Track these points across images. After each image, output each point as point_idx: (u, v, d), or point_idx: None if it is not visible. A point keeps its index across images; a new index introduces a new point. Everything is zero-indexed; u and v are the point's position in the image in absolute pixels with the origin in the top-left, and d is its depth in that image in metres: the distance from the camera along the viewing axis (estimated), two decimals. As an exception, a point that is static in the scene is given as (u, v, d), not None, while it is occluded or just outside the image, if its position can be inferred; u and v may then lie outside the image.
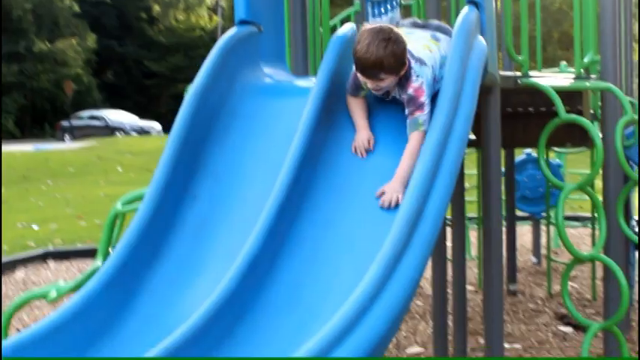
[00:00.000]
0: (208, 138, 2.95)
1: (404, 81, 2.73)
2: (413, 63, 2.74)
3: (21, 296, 3.73)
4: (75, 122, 33.59)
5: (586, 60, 3.81)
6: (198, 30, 47.53)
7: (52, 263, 7.47)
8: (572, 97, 3.89)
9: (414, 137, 2.66)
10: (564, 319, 5.24)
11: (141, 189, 3.42)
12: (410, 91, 2.71)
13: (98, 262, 3.77)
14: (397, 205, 2.51)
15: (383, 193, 2.59)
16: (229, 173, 2.90)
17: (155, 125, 34.13)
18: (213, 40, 45.54)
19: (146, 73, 45.77)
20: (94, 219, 9.91)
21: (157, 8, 47.54)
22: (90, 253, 7.77)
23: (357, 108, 2.86)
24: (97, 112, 35.26)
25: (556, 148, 5.94)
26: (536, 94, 3.62)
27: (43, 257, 7.58)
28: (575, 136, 4.23)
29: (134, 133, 31.50)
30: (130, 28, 46.75)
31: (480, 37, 2.90)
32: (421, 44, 2.88)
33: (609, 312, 3.82)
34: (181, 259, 2.68)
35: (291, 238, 2.56)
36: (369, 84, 2.74)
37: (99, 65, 44.31)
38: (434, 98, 2.74)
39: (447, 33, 3.02)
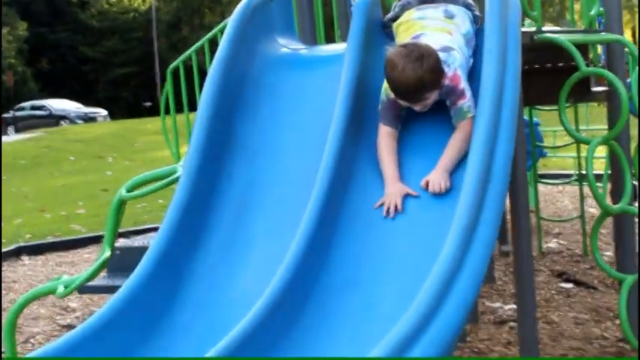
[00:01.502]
0: (236, 113, 2.83)
1: None
2: (440, 55, 2.59)
3: (26, 294, 3.56)
4: (17, 114, 32.63)
5: (592, 12, 3.77)
6: (131, 12, 46.61)
7: (26, 259, 7.23)
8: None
9: (462, 126, 2.53)
10: (563, 276, 5.26)
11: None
12: (446, 82, 2.57)
13: (107, 252, 3.62)
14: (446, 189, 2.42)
15: (427, 184, 2.46)
16: (262, 149, 2.79)
17: (101, 111, 33.40)
18: (148, 21, 45.02)
19: (81, 59, 44.78)
20: (58, 211, 9.66)
21: (88, -9, 46.49)
22: (64, 246, 7.58)
23: (388, 150, 2.57)
24: (40, 101, 34.18)
25: (539, 107, 5.92)
26: (542, 50, 3.56)
27: (16, 253, 7.33)
28: (577, 92, 4.19)
29: (80, 121, 30.76)
30: (61, 13, 45.63)
31: (512, -7, 2.82)
32: (438, 29, 2.77)
33: (625, 265, 3.81)
34: (224, 241, 2.57)
35: (344, 214, 2.46)
36: (416, 107, 2.59)
37: (32, 54, 43.17)
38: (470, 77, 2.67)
39: (458, 1, 2.93)
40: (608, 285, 5.00)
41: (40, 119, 31.18)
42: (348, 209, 2.47)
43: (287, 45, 3.17)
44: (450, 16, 2.84)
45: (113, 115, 34.21)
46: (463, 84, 2.59)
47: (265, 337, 2.13)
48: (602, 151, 9.10)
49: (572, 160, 8.51)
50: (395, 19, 2.95)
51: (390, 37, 2.96)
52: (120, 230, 7.49)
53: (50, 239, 7.91)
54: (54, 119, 31.18)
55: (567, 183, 7.25)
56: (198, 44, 5.09)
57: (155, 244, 2.47)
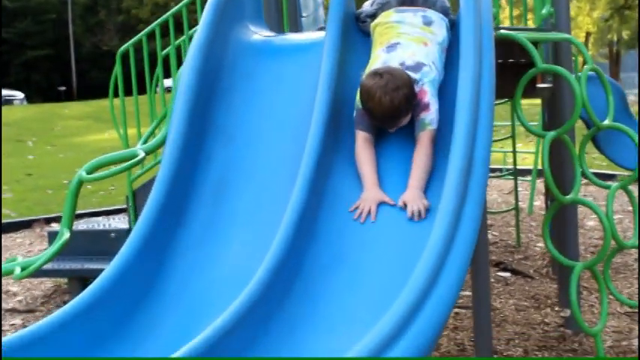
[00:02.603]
0: (213, 97, 2.88)
1: None
2: (410, 74, 2.67)
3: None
4: None
5: (544, 12, 3.93)
6: (46, -8, 45.37)
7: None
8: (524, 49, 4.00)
9: (422, 138, 2.61)
10: (500, 265, 5.46)
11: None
12: None
13: (66, 234, 3.59)
14: (427, 210, 2.44)
15: (405, 205, 2.47)
16: (238, 132, 2.85)
17: (17, 94, 32.43)
18: (64, 3, 43.93)
19: (-8, 40, 43.37)
20: (-19, 193, 9.39)
21: (0, -29, 44.99)
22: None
23: (366, 155, 2.63)
24: (-48, 83, 33.01)
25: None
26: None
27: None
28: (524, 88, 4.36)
29: (-5, 104, 29.85)
30: (-29, -8, 44.06)
31: (483, -11, 2.93)
32: (415, 39, 2.81)
33: (568, 253, 4.00)
34: (205, 221, 2.62)
35: (328, 193, 2.54)
36: (390, 129, 2.68)
37: (-61, 33, 41.57)
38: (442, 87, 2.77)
39: (435, 4, 2.97)
40: (543, 274, 5.23)
41: (-49, 101, 30.10)
42: (332, 188, 2.56)
43: (258, 32, 3.22)
44: (428, 23, 2.89)
45: (27, 99, 33.28)
46: (428, 98, 2.66)
47: (258, 315, 2.18)
48: (523, 147, 9.44)
49: (498, 154, 8.80)
50: (373, 15, 2.99)
51: (365, 31, 3.03)
52: (52, 215, 7.40)
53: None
54: (-34, 101, 30.16)
55: (502, 176, 7.48)
56: (148, 29, 5.07)
57: (141, 223, 2.50)
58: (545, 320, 4.28)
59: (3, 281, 5.36)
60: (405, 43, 2.79)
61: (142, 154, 3.09)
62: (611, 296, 3.99)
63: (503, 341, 3.94)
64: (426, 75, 2.70)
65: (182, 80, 2.78)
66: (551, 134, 3.39)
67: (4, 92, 32.18)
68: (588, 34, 34.91)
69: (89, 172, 3.70)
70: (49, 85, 41.95)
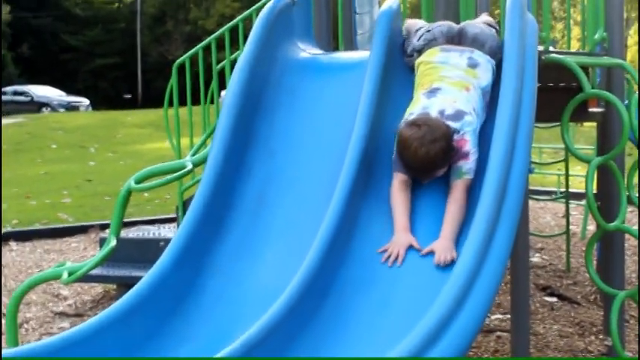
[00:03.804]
0: (257, 112, 2.93)
1: None
2: (450, 124, 2.62)
3: (31, 278, 3.61)
4: (-2, 98, 32.43)
5: (597, 37, 3.90)
6: (116, 2, 46.42)
7: (14, 244, 7.25)
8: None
9: (457, 185, 2.57)
10: (547, 290, 5.39)
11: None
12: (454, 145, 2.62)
13: (113, 242, 3.68)
14: (452, 261, 2.36)
15: (431, 252, 2.43)
16: (280, 148, 2.89)
17: (83, 100, 33.18)
18: (132, 13, 44.88)
19: (63, 47, 44.44)
20: (43, 198, 9.64)
21: (73, -20, 46.19)
22: (52, 233, 7.60)
23: (400, 198, 2.59)
24: (22, 87, 33.74)
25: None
26: (545, 70, 3.68)
27: (5, 238, 7.33)
28: (575, 111, 4.32)
29: (62, 109, 30.53)
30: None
31: (529, 14, 2.93)
32: (457, 83, 2.76)
33: (614, 281, 3.94)
34: (242, 235, 2.67)
35: (363, 214, 2.56)
36: (424, 181, 2.64)
37: (14, 38, 42.76)
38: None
39: (484, 45, 2.91)
40: (591, 301, 5.15)
41: (21, 105, 30.86)
42: (367, 210, 2.58)
43: (306, 49, 3.27)
44: (473, 65, 2.83)
45: (93, 106, 34.05)
46: (468, 147, 2.61)
47: (287, 330, 2.21)
48: (580, 170, 9.31)
49: (553, 177, 8.70)
50: (419, 50, 2.96)
51: (409, 65, 3.01)
52: (107, 222, 7.56)
53: (37, 226, 7.93)
54: (35, 106, 30.89)
55: (554, 200, 7.38)
56: (204, 42, 5.17)
57: (179, 235, 2.56)
58: (589, 348, 4.22)
59: (54, 284, 5.49)
60: (446, 89, 2.74)
61: (189, 166, 3.16)
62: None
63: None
64: (468, 124, 2.65)
65: (227, 94, 2.85)
66: (597, 160, 3.36)
67: (71, 98, 32.98)
68: (656, 57, 34.20)
69: (138, 182, 3.80)
70: (116, 93, 42.79)
